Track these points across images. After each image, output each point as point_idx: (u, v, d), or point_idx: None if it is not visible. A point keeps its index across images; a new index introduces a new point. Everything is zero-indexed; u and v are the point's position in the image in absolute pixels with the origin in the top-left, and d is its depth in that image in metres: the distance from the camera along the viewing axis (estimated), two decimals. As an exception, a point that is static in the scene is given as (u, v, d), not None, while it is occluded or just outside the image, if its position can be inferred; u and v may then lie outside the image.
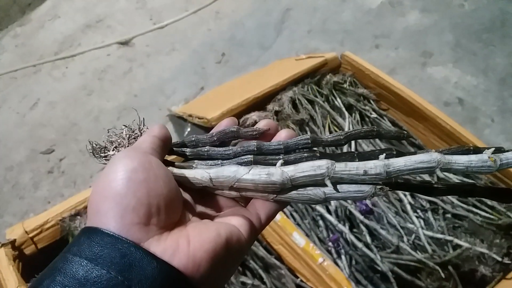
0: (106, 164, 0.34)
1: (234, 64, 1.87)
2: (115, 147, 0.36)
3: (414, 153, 0.33)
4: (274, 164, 0.34)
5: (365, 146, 1.07)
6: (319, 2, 2.12)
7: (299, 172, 0.32)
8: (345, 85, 1.22)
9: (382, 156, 0.32)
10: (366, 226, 0.94)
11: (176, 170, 0.35)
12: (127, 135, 0.37)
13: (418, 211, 0.96)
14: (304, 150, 0.36)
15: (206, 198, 0.37)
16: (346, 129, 1.08)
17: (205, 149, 0.38)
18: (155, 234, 0.28)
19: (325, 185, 0.33)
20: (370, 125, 1.17)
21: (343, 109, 1.15)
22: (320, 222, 0.95)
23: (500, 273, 0.87)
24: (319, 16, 2.05)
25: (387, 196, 0.98)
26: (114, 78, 1.84)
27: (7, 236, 0.88)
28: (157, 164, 0.31)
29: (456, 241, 0.90)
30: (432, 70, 1.76)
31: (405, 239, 0.91)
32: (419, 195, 0.97)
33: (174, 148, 0.38)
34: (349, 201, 0.97)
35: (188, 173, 0.35)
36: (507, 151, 0.31)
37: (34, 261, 0.89)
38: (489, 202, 0.95)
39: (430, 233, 0.91)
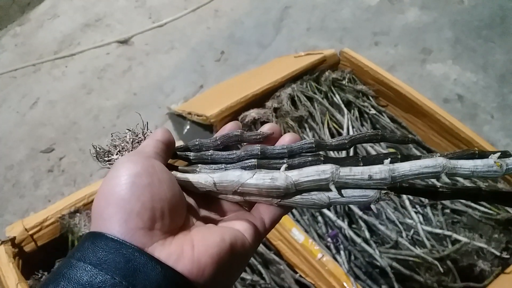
0: (109, 168, 0.34)
1: (233, 62, 1.87)
2: (119, 151, 0.36)
3: (419, 158, 0.32)
4: (278, 169, 0.34)
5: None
6: (318, 0, 2.12)
7: (303, 177, 0.32)
8: (344, 82, 1.22)
9: (387, 161, 0.32)
10: (365, 221, 0.94)
11: (179, 175, 0.35)
12: (131, 139, 0.37)
13: (417, 206, 0.96)
14: (308, 154, 0.36)
15: (209, 202, 0.37)
16: (345, 126, 1.08)
17: (209, 153, 0.38)
18: (160, 239, 0.28)
19: (330, 190, 0.32)
20: (369, 121, 1.17)
21: (342, 105, 1.15)
22: (319, 218, 0.95)
23: (499, 267, 0.87)
24: (318, 14, 2.05)
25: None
26: (114, 77, 1.84)
27: (7, 233, 0.88)
28: (161, 168, 0.31)
29: (455, 236, 0.90)
30: (432, 67, 1.76)
31: (404, 234, 0.91)
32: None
33: (177, 152, 0.38)
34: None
35: (192, 177, 0.35)
36: None
37: (34, 258, 0.89)
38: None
39: (429, 228, 0.92)
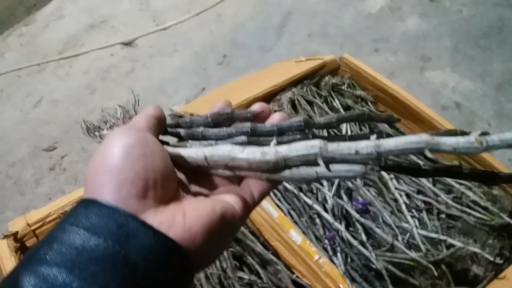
0: (100, 142, 0.34)
1: (235, 66, 1.90)
2: (110, 126, 0.37)
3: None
4: (268, 145, 0.34)
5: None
6: (319, 6, 2.14)
7: (292, 151, 0.33)
8: (343, 87, 1.24)
9: (373, 137, 0.33)
10: (362, 224, 0.95)
11: (171, 149, 0.36)
12: (122, 115, 0.37)
13: (413, 211, 0.98)
14: (297, 132, 0.37)
15: (200, 177, 0.37)
16: (344, 130, 1.10)
17: (199, 130, 0.38)
18: (152, 207, 0.28)
19: (318, 165, 0.33)
20: (367, 127, 1.19)
21: (341, 110, 1.17)
22: (317, 220, 0.97)
23: (492, 272, 0.88)
24: (319, 20, 2.07)
25: (383, 196, 1.00)
26: (117, 78, 1.86)
27: (10, 228, 0.89)
28: (153, 141, 0.32)
29: (450, 240, 0.91)
30: (430, 74, 1.78)
31: (399, 238, 0.93)
32: (414, 195, 0.99)
33: (168, 129, 0.39)
34: (345, 200, 0.98)
35: (183, 151, 0.35)
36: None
37: (36, 253, 0.90)
38: (482, 203, 0.97)
39: (424, 233, 0.93)
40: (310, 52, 1.89)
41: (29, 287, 0.24)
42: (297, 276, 0.89)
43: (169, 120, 0.39)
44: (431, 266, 0.86)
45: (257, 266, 0.90)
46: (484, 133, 0.32)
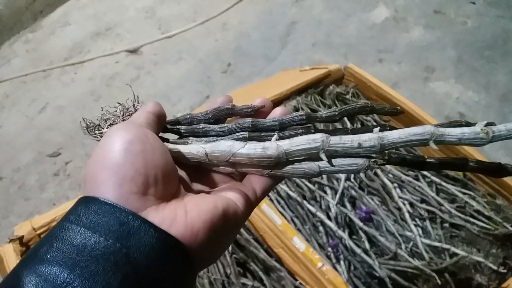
0: (99, 140, 0.34)
1: (239, 74, 1.91)
2: (110, 124, 0.36)
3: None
4: (269, 140, 0.34)
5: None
6: (324, 16, 2.16)
7: (294, 146, 0.32)
8: (347, 96, 1.25)
9: (376, 129, 0.32)
10: (365, 232, 0.95)
11: (171, 146, 0.35)
12: (121, 113, 0.36)
13: (417, 219, 0.98)
14: (299, 126, 0.36)
15: (201, 175, 0.37)
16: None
17: (200, 126, 0.37)
18: (153, 204, 0.28)
19: (320, 159, 0.32)
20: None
21: (345, 119, 1.18)
22: (320, 228, 0.97)
23: (496, 281, 0.88)
24: (324, 29, 2.09)
25: (387, 205, 1.00)
26: (122, 85, 1.87)
27: (16, 232, 0.90)
28: (153, 137, 0.31)
29: (453, 249, 0.91)
30: (434, 85, 1.79)
31: (403, 246, 0.93)
32: (418, 204, 0.99)
33: (168, 126, 0.38)
34: (349, 208, 0.99)
35: (184, 148, 0.35)
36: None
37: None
38: (486, 213, 0.97)
39: (427, 241, 0.93)
40: (314, 62, 1.90)
41: (30, 286, 0.23)
42: (300, 283, 0.89)
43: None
44: (434, 274, 0.86)
45: (260, 273, 0.90)
46: (489, 124, 0.31)
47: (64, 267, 0.24)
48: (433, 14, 2.12)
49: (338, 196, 1.00)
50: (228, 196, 0.33)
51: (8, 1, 2.14)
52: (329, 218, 0.98)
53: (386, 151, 0.31)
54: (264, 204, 0.95)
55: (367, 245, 0.93)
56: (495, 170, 0.32)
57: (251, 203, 0.35)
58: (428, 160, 0.32)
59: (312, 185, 1.02)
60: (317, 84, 1.26)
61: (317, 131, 0.35)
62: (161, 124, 0.36)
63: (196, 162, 0.35)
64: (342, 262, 0.91)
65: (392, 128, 0.33)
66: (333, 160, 0.32)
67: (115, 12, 2.25)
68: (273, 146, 0.32)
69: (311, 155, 0.32)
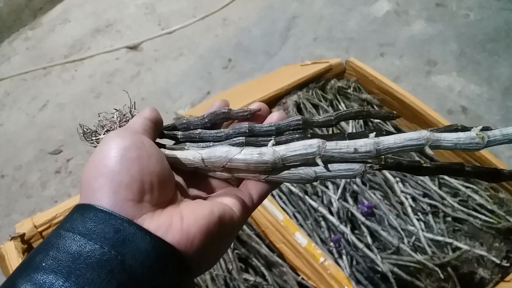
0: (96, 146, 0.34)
1: (240, 70, 1.90)
2: (107, 130, 0.36)
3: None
4: (266, 146, 0.34)
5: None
6: (325, 10, 2.15)
7: (290, 151, 0.32)
8: (349, 90, 1.24)
9: (372, 135, 0.32)
10: (367, 227, 0.95)
11: (167, 152, 0.35)
12: (118, 119, 0.36)
13: (419, 213, 0.97)
14: (296, 131, 0.36)
15: (198, 180, 0.37)
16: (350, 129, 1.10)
17: (197, 132, 0.37)
18: (149, 211, 0.28)
19: (316, 164, 0.33)
20: (373, 129, 1.18)
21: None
22: (322, 223, 0.97)
23: (499, 275, 0.88)
24: (325, 24, 2.08)
25: (389, 199, 0.99)
26: (122, 82, 1.87)
27: (17, 230, 0.90)
28: (149, 143, 0.31)
29: (456, 243, 0.91)
30: (436, 78, 1.78)
31: (405, 240, 0.93)
32: (420, 198, 0.98)
33: (165, 132, 0.38)
34: (351, 203, 0.98)
35: (180, 154, 0.35)
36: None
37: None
38: (489, 206, 0.97)
39: (430, 235, 0.93)
40: (316, 56, 1.89)
41: None
42: (302, 278, 0.89)
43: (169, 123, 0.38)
44: (437, 269, 0.86)
45: (262, 268, 0.90)
46: (485, 128, 0.31)
47: (59, 275, 0.24)
48: (434, 7, 2.10)
49: (340, 191, 0.99)
50: (225, 201, 0.33)
51: (8, -2, 2.14)
52: (331, 213, 0.97)
53: (383, 156, 0.32)
54: (266, 200, 0.95)
55: (369, 240, 0.93)
56: (492, 175, 0.32)
57: (248, 209, 0.35)
58: (425, 164, 0.32)
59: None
60: (318, 79, 1.26)
61: (314, 136, 0.35)
62: (158, 130, 0.36)
63: (192, 167, 0.35)
64: (344, 257, 0.91)
65: (389, 133, 0.33)
66: (329, 165, 0.32)
67: (115, 9, 2.25)
68: (270, 152, 0.33)
69: (308, 161, 0.33)
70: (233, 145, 0.35)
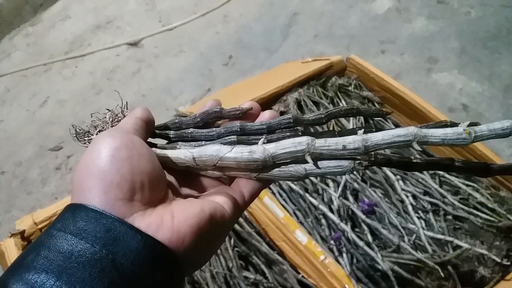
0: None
1: (240, 67, 1.90)
2: (99, 130, 0.36)
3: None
4: (257, 144, 0.34)
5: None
6: (326, 7, 2.14)
7: (280, 149, 0.33)
8: (350, 88, 1.24)
9: (360, 132, 0.33)
10: (368, 225, 0.95)
11: (159, 151, 0.36)
12: (111, 119, 0.37)
13: (420, 212, 0.97)
14: (287, 129, 0.36)
15: (190, 179, 0.37)
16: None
17: (189, 131, 0.38)
18: (139, 209, 0.28)
19: (306, 162, 0.33)
20: (373, 127, 1.18)
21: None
22: (323, 221, 0.97)
23: (499, 274, 0.88)
24: (326, 21, 2.07)
25: (389, 197, 0.99)
26: (123, 78, 1.86)
27: (17, 226, 0.90)
28: (140, 143, 0.32)
29: (456, 242, 0.91)
30: (437, 76, 1.78)
31: (406, 239, 0.93)
32: (421, 196, 0.98)
33: (156, 131, 0.39)
34: (351, 200, 0.98)
35: (171, 153, 0.35)
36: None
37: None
38: (489, 205, 0.96)
39: (430, 234, 0.93)
40: (316, 53, 1.89)
41: None
42: (302, 276, 0.89)
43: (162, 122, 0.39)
44: (437, 267, 0.86)
45: (262, 266, 0.90)
46: (473, 124, 0.32)
47: (51, 275, 0.24)
48: (436, 4, 2.10)
49: (340, 188, 0.99)
50: (216, 200, 0.33)
51: (8, -6, 2.13)
52: (331, 211, 0.97)
53: (372, 153, 0.32)
54: (266, 197, 0.95)
55: (369, 238, 0.93)
56: (482, 169, 0.32)
57: (239, 207, 0.35)
58: (415, 160, 0.32)
59: (314, 177, 1.02)
60: (319, 76, 1.25)
61: (304, 134, 0.35)
62: (149, 129, 0.36)
63: (184, 166, 0.35)
64: (344, 255, 0.91)
65: (378, 129, 0.33)
66: (319, 163, 0.33)
67: (115, 5, 2.24)
68: (260, 150, 0.33)
69: (297, 158, 0.33)
70: (224, 144, 0.35)
